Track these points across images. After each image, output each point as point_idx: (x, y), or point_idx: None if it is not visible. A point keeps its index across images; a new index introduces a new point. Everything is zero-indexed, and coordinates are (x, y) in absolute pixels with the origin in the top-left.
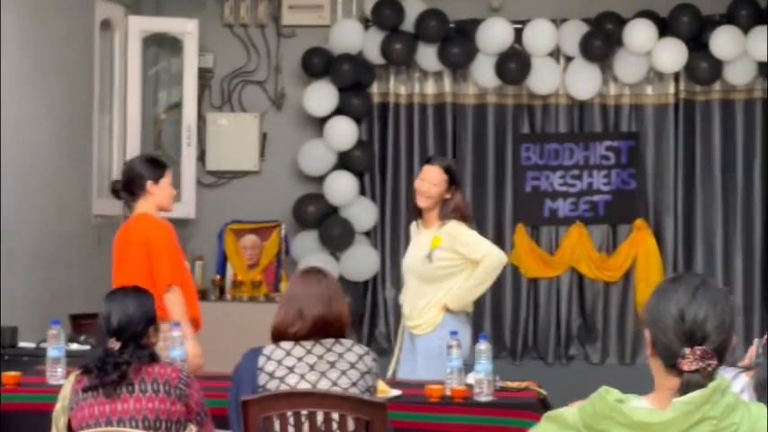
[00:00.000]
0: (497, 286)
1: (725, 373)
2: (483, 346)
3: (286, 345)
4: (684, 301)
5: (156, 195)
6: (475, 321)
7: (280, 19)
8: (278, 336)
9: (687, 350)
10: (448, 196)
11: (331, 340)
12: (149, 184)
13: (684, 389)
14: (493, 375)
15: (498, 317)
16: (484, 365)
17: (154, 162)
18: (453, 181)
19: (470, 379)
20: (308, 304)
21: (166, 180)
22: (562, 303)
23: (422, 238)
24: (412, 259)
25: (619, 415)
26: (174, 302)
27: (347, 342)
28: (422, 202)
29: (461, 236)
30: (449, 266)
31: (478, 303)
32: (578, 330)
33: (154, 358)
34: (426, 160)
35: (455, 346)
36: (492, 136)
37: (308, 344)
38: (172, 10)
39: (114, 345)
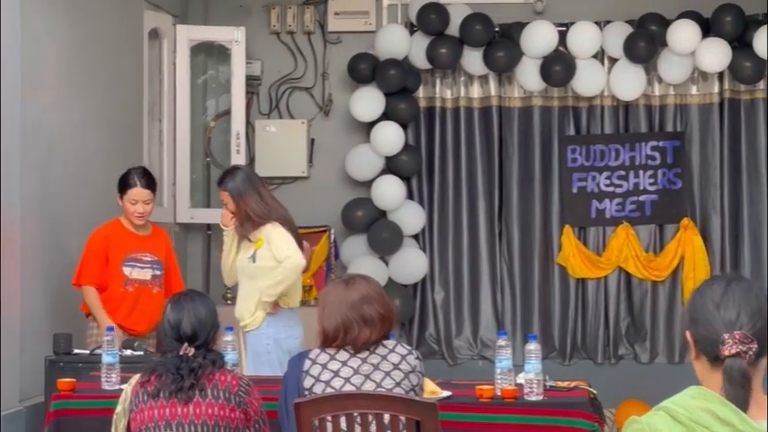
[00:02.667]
0: (546, 287)
1: None
2: (532, 346)
3: (330, 349)
4: (719, 292)
5: (123, 208)
6: (523, 322)
7: (326, 25)
8: (333, 344)
9: (726, 335)
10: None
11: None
12: (117, 196)
13: (728, 376)
14: (543, 375)
15: (547, 317)
16: (534, 365)
17: (122, 179)
18: (234, 195)
19: (520, 379)
20: (370, 308)
21: (128, 198)
22: (610, 303)
23: (249, 244)
24: (241, 261)
25: None
26: (85, 299)
27: (390, 343)
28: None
29: (272, 235)
30: (268, 266)
31: (527, 305)
32: (627, 330)
33: (224, 363)
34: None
35: (504, 346)
36: (538, 138)
37: (351, 347)
38: (219, 19)
39: (188, 351)
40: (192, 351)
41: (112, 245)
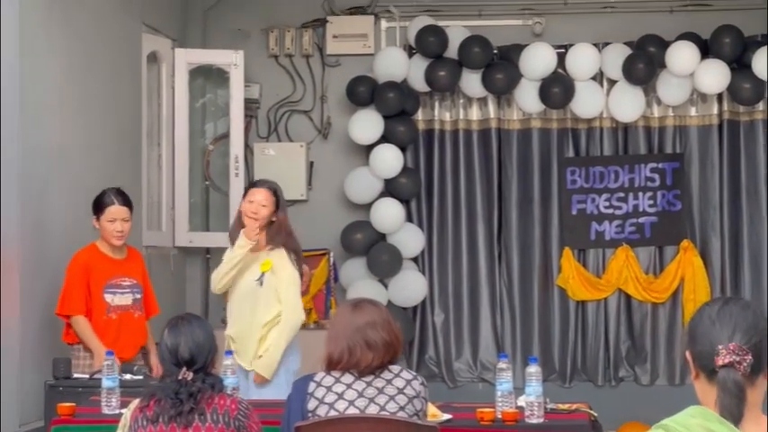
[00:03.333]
0: (546, 309)
1: None
2: (533, 368)
3: (336, 372)
4: (716, 309)
5: (100, 230)
6: (523, 344)
7: (324, 48)
8: (338, 367)
9: (720, 346)
10: (274, 219)
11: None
12: (93, 219)
13: (722, 385)
14: (543, 398)
15: (547, 340)
16: (534, 388)
17: (97, 200)
18: (279, 204)
19: (521, 402)
20: (374, 333)
21: (105, 217)
22: (610, 325)
23: (252, 263)
24: (246, 282)
25: None
26: (77, 329)
27: (395, 368)
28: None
29: (283, 269)
30: (274, 290)
31: (527, 327)
32: (627, 352)
33: (223, 386)
34: (252, 184)
35: (505, 368)
36: (537, 160)
37: (355, 370)
38: (217, 42)
39: (187, 375)
40: (190, 375)
41: (92, 271)
